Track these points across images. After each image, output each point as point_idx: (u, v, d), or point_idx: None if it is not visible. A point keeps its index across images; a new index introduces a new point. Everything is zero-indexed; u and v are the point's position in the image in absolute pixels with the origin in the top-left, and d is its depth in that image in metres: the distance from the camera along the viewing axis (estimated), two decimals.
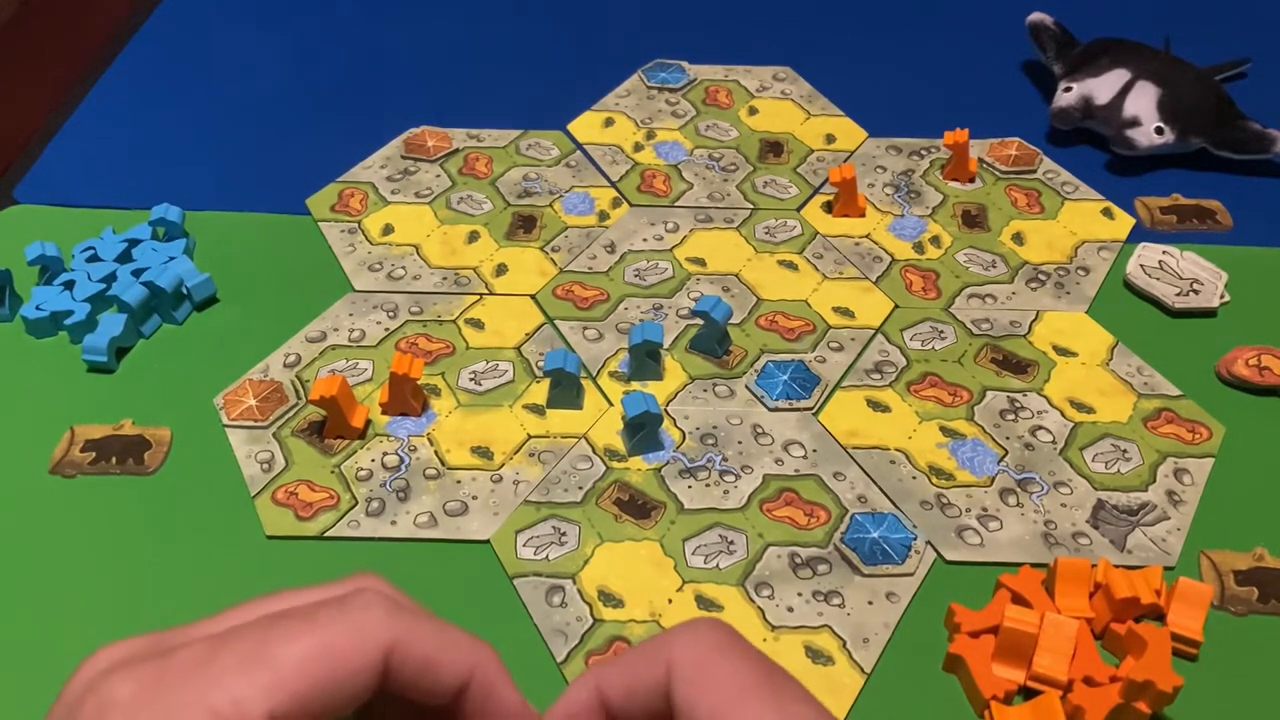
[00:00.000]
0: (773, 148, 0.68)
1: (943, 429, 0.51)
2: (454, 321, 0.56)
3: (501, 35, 0.80)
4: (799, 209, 0.64)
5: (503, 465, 0.49)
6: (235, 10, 0.83)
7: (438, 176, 0.66)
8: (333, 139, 0.69)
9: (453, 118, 0.70)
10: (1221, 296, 0.57)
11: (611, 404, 0.52)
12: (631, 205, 0.64)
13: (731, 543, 0.46)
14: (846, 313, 0.57)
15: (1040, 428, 0.51)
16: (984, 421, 0.51)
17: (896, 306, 0.57)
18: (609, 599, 0.44)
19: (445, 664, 0.26)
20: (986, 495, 0.48)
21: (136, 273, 0.57)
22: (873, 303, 0.58)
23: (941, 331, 0.56)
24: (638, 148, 0.68)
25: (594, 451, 0.50)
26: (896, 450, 0.50)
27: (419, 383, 0.50)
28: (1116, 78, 0.68)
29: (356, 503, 0.47)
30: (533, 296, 0.58)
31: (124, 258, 0.59)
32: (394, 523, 0.47)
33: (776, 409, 0.52)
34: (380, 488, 0.48)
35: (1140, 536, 0.46)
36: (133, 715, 0.22)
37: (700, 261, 0.60)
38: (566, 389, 0.51)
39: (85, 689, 0.22)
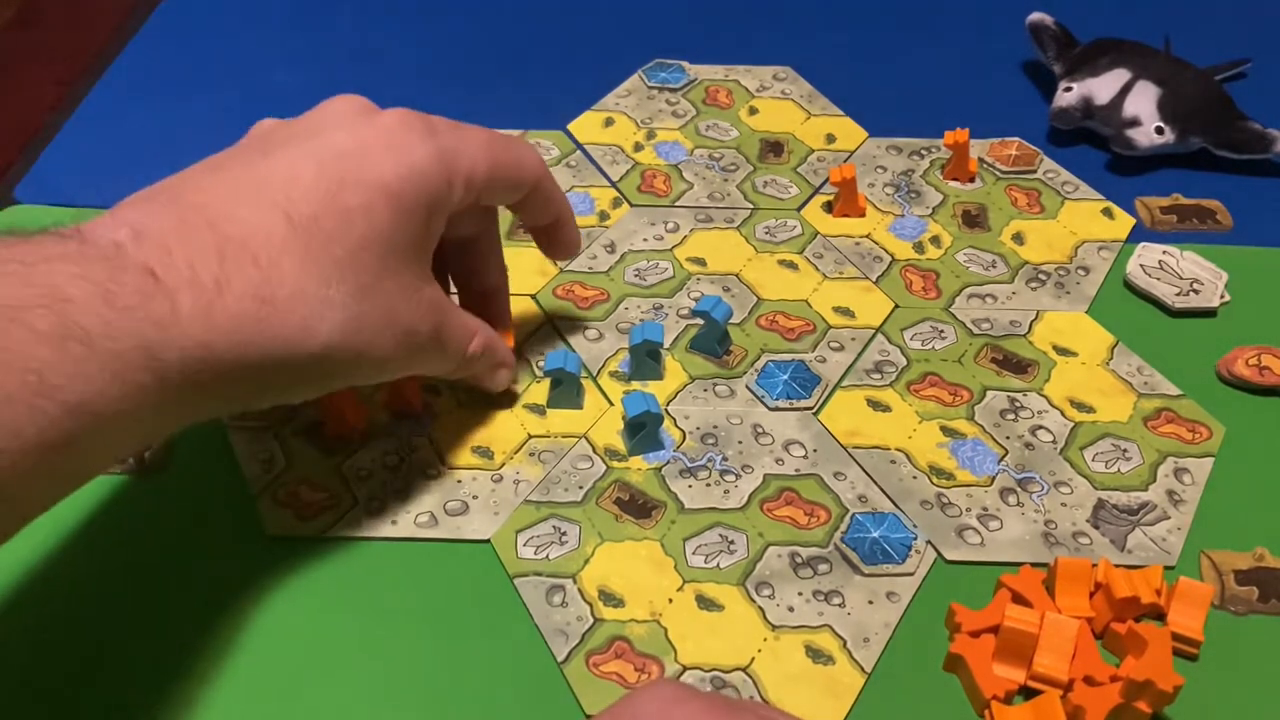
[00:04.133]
0: (773, 148, 0.68)
1: (943, 429, 0.51)
2: None
3: (501, 35, 0.80)
4: (799, 209, 0.64)
5: (503, 465, 0.49)
6: (235, 10, 0.82)
7: None
8: None
9: (453, 117, 0.70)
10: (1221, 296, 0.57)
11: (612, 404, 0.52)
12: (632, 205, 0.64)
13: (732, 542, 0.46)
14: (847, 312, 0.57)
15: (1040, 427, 0.51)
16: (984, 421, 0.51)
17: (896, 306, 0.57)
18: (609, 598, 0.44)
19: (527, 167, 0.45)
20: (987, 495, 0.48)
21: None
22: (873, 302, 0.58)
23: (942, 331, 0.56)
24: (638, 148, 0.68)
25: (594, 451, 0.50)
26: (897, 450, 0.50)
27: (419, 382, 0.50)
28: (1116, 78, 0.68)
29: (357, 502, 0.47)
30: (533, 296, 0.58)
31: None
32: (394, 523, 0.47)
33: (777, 409, 0.52)
34: (380, 487, 0.48)
35: (1140, 536, 0.46)
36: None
37: (700, 261, 0.60)
38: (567, 389, 0.51)
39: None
